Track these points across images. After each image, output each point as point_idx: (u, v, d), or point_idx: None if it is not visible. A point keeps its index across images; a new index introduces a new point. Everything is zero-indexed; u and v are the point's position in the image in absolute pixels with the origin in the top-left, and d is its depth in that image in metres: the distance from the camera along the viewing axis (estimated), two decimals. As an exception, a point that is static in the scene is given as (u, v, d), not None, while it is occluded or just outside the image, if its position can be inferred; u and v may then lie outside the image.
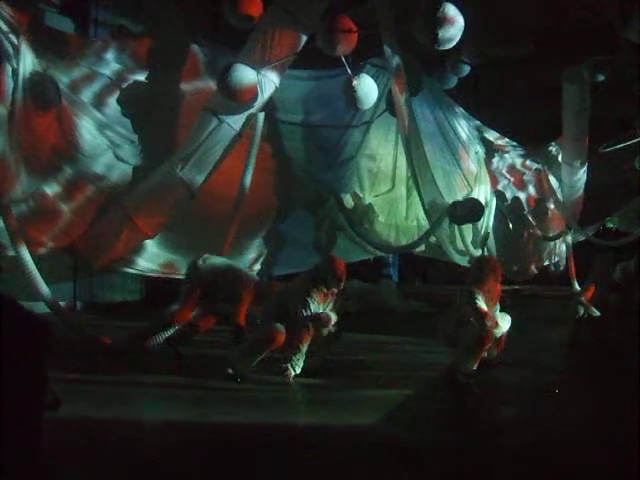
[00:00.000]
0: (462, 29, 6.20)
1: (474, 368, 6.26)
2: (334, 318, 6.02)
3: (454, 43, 6.41)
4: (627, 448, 4.25)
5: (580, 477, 3.90)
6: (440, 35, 6.14)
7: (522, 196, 13.94)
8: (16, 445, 3.02)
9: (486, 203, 11.83)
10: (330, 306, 6.13)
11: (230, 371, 5.92)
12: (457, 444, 4.52)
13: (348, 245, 10.14)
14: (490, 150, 12.92)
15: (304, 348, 6.02)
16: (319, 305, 5.97)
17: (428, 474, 3.92)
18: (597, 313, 8.62)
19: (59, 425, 3.87)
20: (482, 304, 6.27)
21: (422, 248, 10.92)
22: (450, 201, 10.04)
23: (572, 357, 8.14)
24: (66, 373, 5.57)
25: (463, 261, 11.30)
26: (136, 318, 9.29)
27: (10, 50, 6.27)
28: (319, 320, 5.93)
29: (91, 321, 8.83)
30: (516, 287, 13.29)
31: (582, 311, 8.81)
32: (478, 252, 11.45)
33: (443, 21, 6.08)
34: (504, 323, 6.71)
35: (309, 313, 5.88)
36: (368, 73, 8.31)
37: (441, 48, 6.41)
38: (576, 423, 5.05)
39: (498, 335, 6.60)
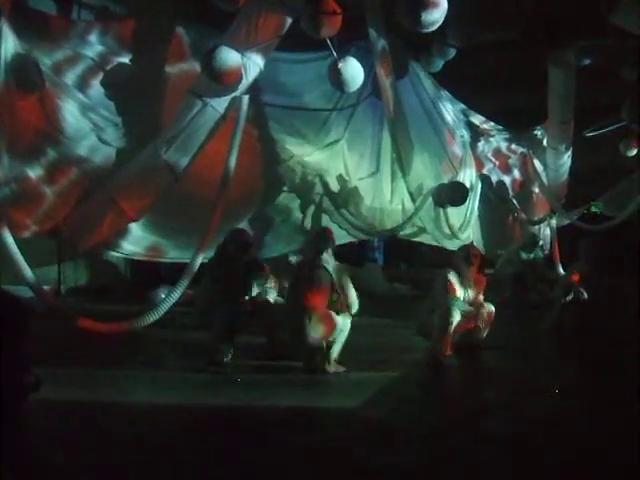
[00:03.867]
0: (445, 12, 6.16)
1: (447, 351, 6.40)
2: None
3: (437, 26, 6.37)
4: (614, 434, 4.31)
5: (564, 462, 3.96)
6: (423, 18, 6.09)
7: (507, 180, 13.95)
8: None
9: (471, 187, 11.85)
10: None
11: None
12: (441, 427, 4.57)
13: (334, 228, 10.13)
14: (476, 134, 12.91)
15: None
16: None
17: (412, 457, 3.97)
18: (585, 295, 8.64)
19: (43, 409, 3.87)
20: (456, 286, 6.40)
21: (407, 231, 10.94)
22: (435, 184, 10.07)
23: (557, 340, 8.23)
24: (49, 357, 5.58)
25: (449, 244, 11.34)
26: (121, 302, 9.29)
27: (-8, 32, 6.19)
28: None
29: (75, 305, 8.83)
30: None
31: (571, 293, 8.81)
32: (463, 236, 11.48)
33: (426, 4, 6.03)
34: (487, 311, 6.84)
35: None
36: (354, 56, 8.25)
37: (424, 31, 6.37)
38: (561, 408, 5.12)
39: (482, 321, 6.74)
